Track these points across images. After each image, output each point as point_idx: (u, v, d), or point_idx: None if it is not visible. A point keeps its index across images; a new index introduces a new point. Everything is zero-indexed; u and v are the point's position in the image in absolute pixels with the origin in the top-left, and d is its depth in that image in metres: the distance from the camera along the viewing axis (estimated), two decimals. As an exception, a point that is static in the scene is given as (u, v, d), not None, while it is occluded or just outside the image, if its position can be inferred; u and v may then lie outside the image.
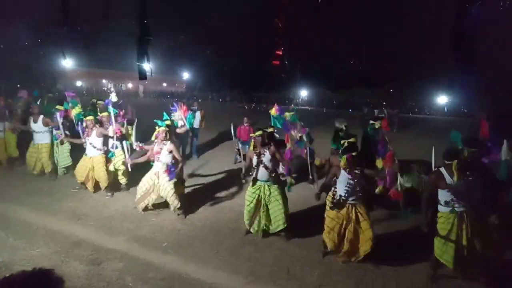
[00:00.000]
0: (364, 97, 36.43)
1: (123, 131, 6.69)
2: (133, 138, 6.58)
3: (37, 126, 7.30)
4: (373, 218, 4.77)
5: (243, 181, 5.31)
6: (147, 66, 11.17)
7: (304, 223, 5.54)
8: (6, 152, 8.04)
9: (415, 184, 5.85)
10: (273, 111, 7.67)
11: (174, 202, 5.59)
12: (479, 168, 4.09)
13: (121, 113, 7.17)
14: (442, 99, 32.10)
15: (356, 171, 4.31)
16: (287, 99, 38.75)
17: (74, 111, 7.03)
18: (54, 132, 7.18)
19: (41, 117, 7.28)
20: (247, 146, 8.27)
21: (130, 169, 6.32)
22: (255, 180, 4.98)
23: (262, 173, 4.93)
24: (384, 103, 28.90)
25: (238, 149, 6.93)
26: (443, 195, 3.98)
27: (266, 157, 4.91)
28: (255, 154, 4.99)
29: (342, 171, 4.35)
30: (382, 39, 44.53)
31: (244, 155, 5.69)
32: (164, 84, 53.28)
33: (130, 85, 49.53)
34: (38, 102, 7.87)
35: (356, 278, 4.20)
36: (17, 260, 4.22)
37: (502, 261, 4.23)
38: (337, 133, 6.69)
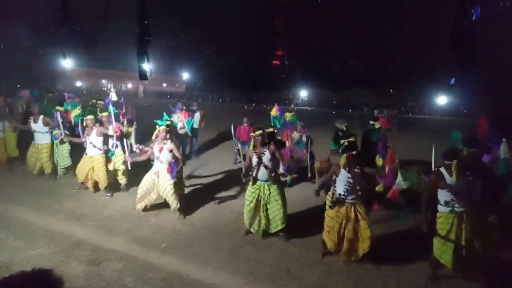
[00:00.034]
0: (364, 97, 36.39)
1: (124, 129, 6.71)
2: (132, 137, 6.59)
3: (37, 126, 7.30)
4: (373, 218, 4.78)
5: (243, 180, 5.31)
6: (147, 67, 11.17)
7: (304, 223, 5.53)
8: (6, 152, 8.05)
9: (414, 184, 5.86)
10: (274, 112, 7.69)
11: (173, 202, 5.60)
12: (479, 168, 4.08)
13: (121, 112, 7.19)
14: (442, 99, 32.06)
15: (356, 170, 4.32)
16: (287, 100, 38.71)
17: (74, 113, 7.04)
18: (54, 132, 7.18)
19: (41, 117, 7.28)
20: (247, 147, 8.28)
21: (130, 168, 6.33)
22: (255, 180, 4.98)
23: (262, 172, 4.93)
24: (382, 102, 28.87)
25: (238, 149, 6.93)
26: (443, 195, 3.98)
27: (266, 157, 4.91)
28: (254, 154, 4.99)
29: (342, 170, 4.36)
30: (382, 39, 44.57)
31: (244, 155, 5.69)
32: (164, 84, 53.23)
33: (129, 85, 49.51)
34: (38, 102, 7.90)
35: (356, 278, 4.20)
36: (17, 261, 4.21)
37: (502, 261, 4.23)
38: (337, 134, 6.69)
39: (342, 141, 4.73)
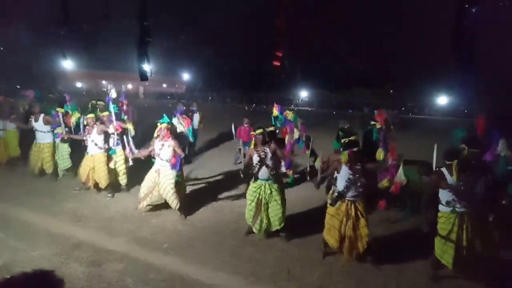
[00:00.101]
0: (364, 97, 36.41)
1: (124, 126, 6.73)
2: (131, 130, 6.68)
3: (39, 125, 7.32)
4: (373, 218, 4.78)
5: (242, 175, 5.32)
6: (147, 67, 11.19)
7: (304, 223, 5.54)
8: (7, 152, 8.04)
9: (415, 179, 5.85)
10: (275, 112, 7.74)
11: (173, 202, 5.59)
12: (479, 168, 4.09)
13: (124, 102, 7.24)
14: (442, 100, 32.06)
15: (357, 167, 4.33)
16: (287, 100, 38.70)
17: (74, 118, 7.05)
18: (55, 130, 7.19)
19: (42, 115, 7.30)
20: (247, 147, 8.28)
21: (131, 163, 6.34)
22: (256, 178, 4.99)
23: (263, 171, 4.94)
24: (382, 102, 28.85)
25: (240, 149, 6.94)
26: (445, 195, 3.98)
27: (267, 155, 4.93)
28: (255, 152, 5.01)
29: (343, 166, 4.38)
30: (382, 39, 44.47)
31: (245, 155, 5.70)
32: (164, 85, 53.20)
33: (130, 86, 49.50)
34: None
35: (356, 278, 4.20)
36: (17, 262, 4.21)
37: (502, 261, 4.23)
38: (340, 133, 6.72)
39: (343, 140, 4.74)
